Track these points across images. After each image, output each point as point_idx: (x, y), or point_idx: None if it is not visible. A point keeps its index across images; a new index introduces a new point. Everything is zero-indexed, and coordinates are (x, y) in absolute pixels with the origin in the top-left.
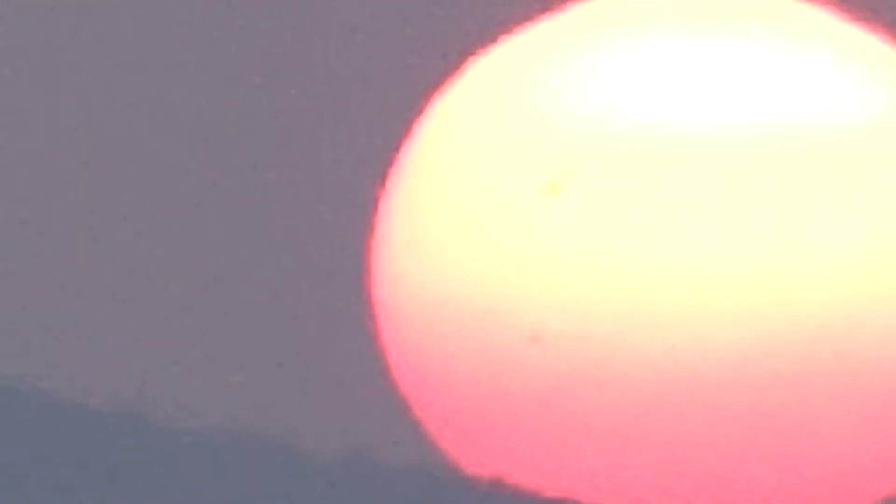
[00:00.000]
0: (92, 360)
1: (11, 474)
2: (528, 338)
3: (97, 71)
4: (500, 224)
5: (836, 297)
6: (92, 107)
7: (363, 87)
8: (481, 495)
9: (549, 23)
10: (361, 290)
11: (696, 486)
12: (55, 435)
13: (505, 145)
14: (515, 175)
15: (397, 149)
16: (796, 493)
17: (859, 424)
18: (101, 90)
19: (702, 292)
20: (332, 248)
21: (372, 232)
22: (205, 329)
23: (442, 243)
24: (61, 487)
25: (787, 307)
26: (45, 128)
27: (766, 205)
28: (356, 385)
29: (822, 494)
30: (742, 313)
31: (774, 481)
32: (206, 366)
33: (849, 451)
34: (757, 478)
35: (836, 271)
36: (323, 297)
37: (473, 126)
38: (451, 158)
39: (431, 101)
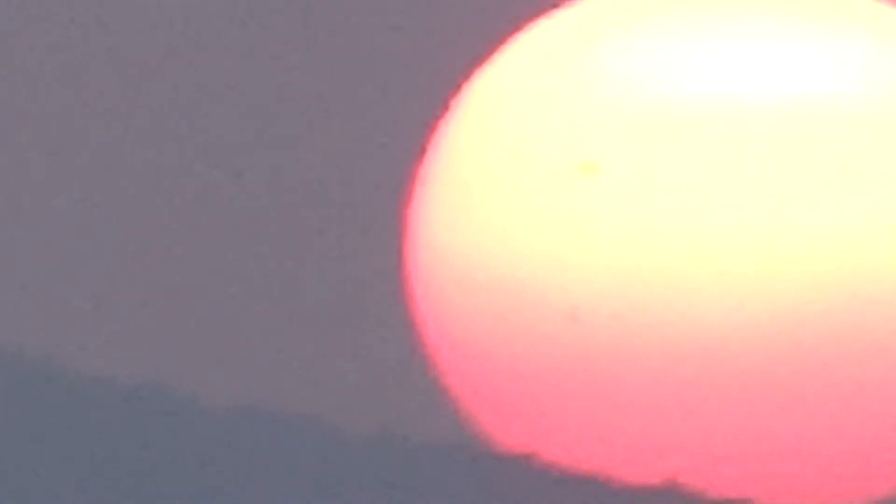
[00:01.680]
0: (124, 334)
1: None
2: (567, 316)
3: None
4: (539, 202)
5: (877, 265)
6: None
7: (408, 60)
8: (514, 471)
9: (589, 5)
10: (398, 263)
11: (732, 462)
12: (80, 409)
13: (544, 124)
14: (554, 154)
15: (437, 123)
16: (820, 474)
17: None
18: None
19: (738, 268)
20: (369, 220)
21: (410, 205)
22: (237, 305)
23: (481, 219)
24: (89, 462)
25: (824, 279)
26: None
27: (800, 178)
28: (391, 358)
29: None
30: (776, 287)
31: (805, 461)
32: (236, 342)
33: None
34: (791, 456)
35: (875, 241)
36: (358, 271)
37: (513, 104)
38: (490, 135)
39: (472, 78)
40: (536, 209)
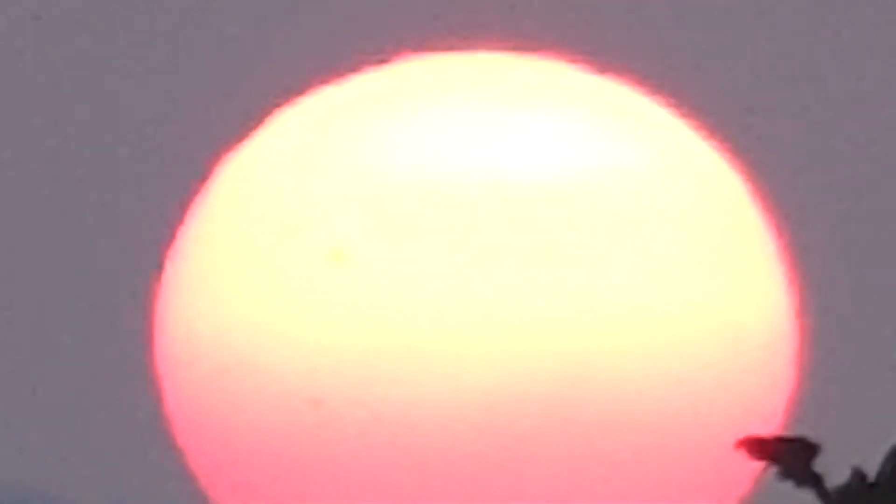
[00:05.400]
0: None
1: None
2: (309, 401)
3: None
4: (285, 287)
5: (603, 346)
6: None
7: (159, 137)
8: None
9: (350, 84)
10: (144, 339)
11: None
12: None
13: (293, 210)
14: (301, 239)
15: (188, 203)
16: None
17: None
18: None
19: (483, 347)
20: (117, 296)
21: (158, 282)
22: None
23: (228, 301)
24: None
25: (559, 354)
26: None
27: (540, 255)
28: (134, 439)
29: None
30: (510, 360)
31: None
32: None
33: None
34: None
35: (601, 321)
36: (104, 348)
37: (264, 185)
38: (241, 216)
39: (225, 157)
40: (283, 294)
